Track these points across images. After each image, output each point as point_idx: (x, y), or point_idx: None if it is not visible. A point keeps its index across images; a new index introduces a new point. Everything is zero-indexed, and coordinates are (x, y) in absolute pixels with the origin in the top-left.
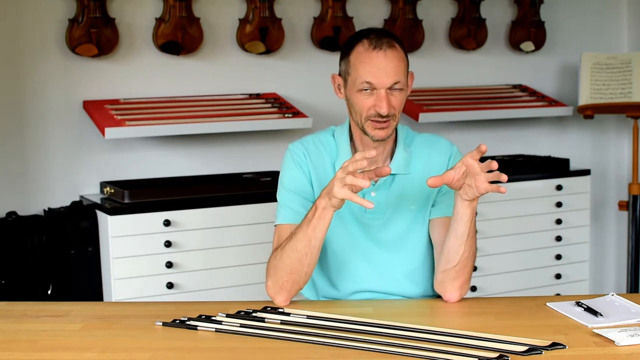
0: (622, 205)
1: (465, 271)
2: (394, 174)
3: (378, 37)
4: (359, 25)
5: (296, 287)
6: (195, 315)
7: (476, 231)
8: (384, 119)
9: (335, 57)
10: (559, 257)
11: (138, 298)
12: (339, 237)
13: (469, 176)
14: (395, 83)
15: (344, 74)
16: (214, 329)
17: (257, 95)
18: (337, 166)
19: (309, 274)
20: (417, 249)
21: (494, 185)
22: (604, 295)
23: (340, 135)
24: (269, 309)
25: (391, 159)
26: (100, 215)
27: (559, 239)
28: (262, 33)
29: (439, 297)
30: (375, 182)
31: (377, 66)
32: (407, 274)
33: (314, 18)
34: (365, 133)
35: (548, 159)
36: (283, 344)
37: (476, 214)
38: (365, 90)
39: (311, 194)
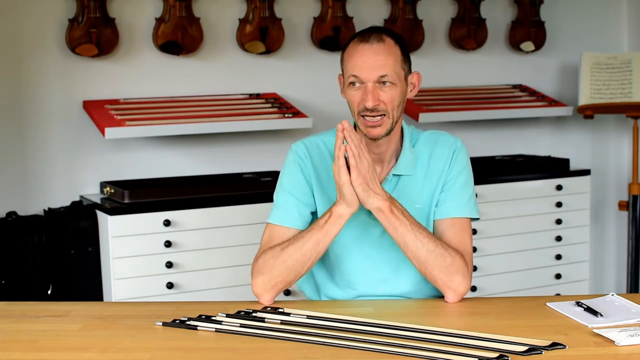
0: (622, 205)
1: (434, 274)
2: (399, 175)
3: (370, 32)
4: (359, 25)
5: (286, 287)
6: (195, 315)
7: (431, 238)
8: (374, 115)
9: (336, 57)
10: (559, 257)
11: (138, 298)
12: (341, 238)
13: None
14: (383, 76)
15: (342, 73)
16: (214, 329)
17: (257, 95)
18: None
19: (303, 275)
20: None
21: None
22: (604, 295)
23: None
24: (269, 309)
25: (396, 160)
26: (100, 215)
27: (559, 239)
28: (262, 33)
29: (441, 297)
30: (380, 183)
31: (362, 59)
32: (411, 275)
33: (314, 18)
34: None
35: (548, 159)
36: (283, 344)
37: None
38: (354, 84)
39: (308, 198)
